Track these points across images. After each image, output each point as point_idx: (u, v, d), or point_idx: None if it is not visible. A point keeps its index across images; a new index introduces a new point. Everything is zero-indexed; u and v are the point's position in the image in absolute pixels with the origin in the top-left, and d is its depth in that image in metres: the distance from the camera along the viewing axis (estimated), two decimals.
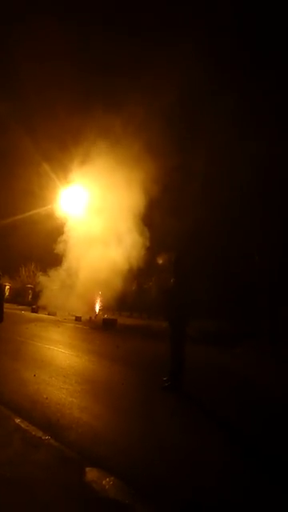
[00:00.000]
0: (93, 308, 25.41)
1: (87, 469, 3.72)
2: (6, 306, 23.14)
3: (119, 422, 5.22)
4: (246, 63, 17.46)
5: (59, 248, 23.16)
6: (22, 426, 4.61)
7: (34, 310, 25.26)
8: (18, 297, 31.90)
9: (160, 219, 19.09)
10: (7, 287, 32.44)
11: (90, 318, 22.57)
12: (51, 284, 24.96)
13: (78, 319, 21.39)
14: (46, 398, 5.87)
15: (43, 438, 4.33)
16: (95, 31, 21.83)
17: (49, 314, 23.47)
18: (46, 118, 22.98)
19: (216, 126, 18.36)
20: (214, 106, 18.37)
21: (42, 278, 25.76)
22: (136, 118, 19.05)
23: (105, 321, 19.94)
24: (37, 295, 28.51)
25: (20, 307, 27.17)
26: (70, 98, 22.06)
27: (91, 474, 3.66)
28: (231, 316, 18.35)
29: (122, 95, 19.80)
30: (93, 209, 23.05)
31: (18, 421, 4.75)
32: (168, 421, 5.41)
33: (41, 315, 23.36)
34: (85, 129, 20.88)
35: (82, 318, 21.69)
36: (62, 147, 22.04)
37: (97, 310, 25.48)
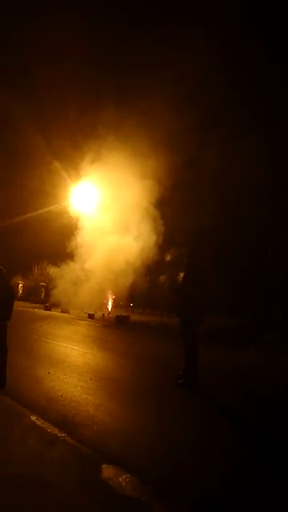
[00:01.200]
0: (106, 305, 25.47)
1: (103, 466, 3.73)
2: (19, 304, 23.39)
3: (134, 419, 5.22)
4: (259, 59, 17.27)
5: (71, 245, 23.21)
6: (38, 423, 4.64)
7: (47, 308, 25.40)
8: (31, 295, 32.08)
9: (172, 216, 18.99)
10: (20, 285, 32.78)
11: (103, 315, 22.61)
12: (64, 281, 25.02)
13: (91, 316, 21.45)
14: (61, 396, 5.90)
15: (59, 435, 4.35)
16: (107, 28, 21.75)
17: (62, 312, 23.58)
18: (58, 116, 22.95)
19: (228, 122, 18.26)
20: (226, 102, 18.26)
21: (53, 271, 25.62)
22: (147, 115, 18.96)
23: (118, 318, 19.99)
24: (49, 293, 28.67)
25: (33, 305, 27.35)
26: (81, 96, 22.01)
27: (107, 471, 3.66)
28: (245, 313, 18.27)
29: (133, 93, 19.70)
30: (104, 206, 23.04)
31: (33, 418, 4.78)
32: (183, 418, 5.40)
33: (54, 313, 23.50)
34: (96, 126, 20.86)
35: (95, 316, 21.74)
36: (73, 145, 22.04)
37: (109, 307, 25.54)
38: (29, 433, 4.39)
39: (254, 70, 17.84)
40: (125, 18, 21.89)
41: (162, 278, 24.72)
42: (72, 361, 8.70)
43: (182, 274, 7.40)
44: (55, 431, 4.44)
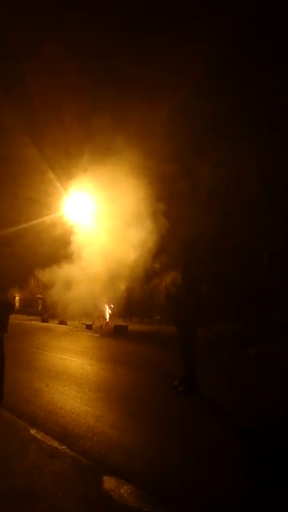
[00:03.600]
0: (103, 315, 25.43)
1: (105, 477, 3.70)
2: (17, 316, 23.27)
3: (135, 429, 5.18)
4: (254, 68, 17.58)
5: (67, 249, 23.22)
6: (38, 436, 4.60)
7: (45, 320, 25.33)
8: (28, 307, 31.99)
9: (167, 225, 19.09)
10: (17, 298, 32.68)
11: (101, 325, 22.56)
12: (59, 284, 24.88)
13: (88, 327, 21.38)
14: (61, 408, 5.86)
15: (59, 447, 4.32)
16: (103, 40, 22.00)
17: (59, 323, 23.50)
18: (52, 126, 23.11)
19: (224, 132, 18.49)
20: (222, 112, 18.51)
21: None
22: (141, 126, 19.13)
23: (116, 327, 19.93)
24: (47, 304, 28.59)
25: (30, 317, 27.25)
26: (76, 107, 22.16)
27: (109, 482, 3.64)
28: (244, 318, 18.31)
29: (128, 104, 19.90)
30: (99, 215, 23.11)
31: (33, 432, 4.74)
32: (185, 425, 5.36)
33: (51, 325, 23.41)
34: (91, 137, 21.02)
35: (93, 326, 21.68)
36: (67, 155, 22.15)
37: (107, 317, 25.49)
38: (28, 446, 4.35)
39: (251, 79, 18.11)
40: (119, 30, 22.12)
41: (159, 286, 24.82)
42: (71, 372, 8.65)
43: (177, 282, 7.41)
44: (55, 444, 4.40)
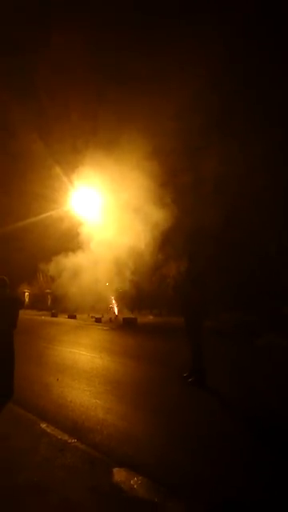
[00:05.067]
0: (112, 308, 25.50)
1: (115, 470, 3.75)
2: (26, 312, 23.44)
3: (144, 421, 5.23)
4: (262, 64, 17.41)
5: (74, 248, 23.31)
6: (48, 430, 4.67)
7: (54, 315, 25.48)
8: (37, 302, 32.16)
9: (173, 218, 19.06)
10: (26, 293, 32.86)
11: (110, 318, 22.64)
12: (68, 285, 25.04)
13: (98, 320, 21.48)
14: (70, 401, 5.92)
15: (69, 441, 4.38)
16: (110, 36, 21.82)
17: (69, 318, 23.63)
18: (59, 121, 23.09)
19: (229, 126, 18.37)
20: (228, 106, 18.37)
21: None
22: (148, 120, 19.05)
23: (125, 320, 20.00)
24: (56, 299, 28.72)
25: (40, 313, 27.43)
26: (82, 101, 22.12)
27: (119, 474, 3.68)
28: (253, 310, 18.27)
29: (134, 99, 19.81)
30: (106, 209, 23.14)
31: (43, 425, 4.81)
32: (194, 417, 5.39)
33: (61, 319, 23.56)
34: (97, 131, 21.00)
35: (102, 319, 21.77)
36: (73, 150, 22.16)
37: (116, 310, 25.57)
38: (39, 440, 4.42)
39: (257, 76, 17.92)
40: (126, 27, 21.90)
41: (167, 278, 24.81)
42: (80, 366, 8.72)
43: (183, 274, 7.43)
44: (65, 437, 4.46)
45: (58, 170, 22.75)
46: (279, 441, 4.60)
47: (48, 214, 25.02)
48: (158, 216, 19.39)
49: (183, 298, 7.31)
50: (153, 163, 18.74)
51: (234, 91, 18.60)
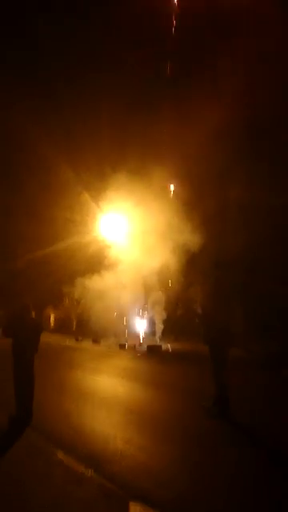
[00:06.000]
0: (137, 334, 25.31)
1: (131, 503, 3.60)
2: (51, 336, 23.51)
3: (164, 454, 5.04)
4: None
5: (101, 272, 23.49)
6: (65, 461, 4.55)
7: (78, 340, 25.47)
8: (63, 326, 32.31)
9: (199, 244, 19.00)
10: (51, 317, 33.14)
11: (135, 345, 22.44)
12: (94, 310, 25.11)
13: (122, 347, 21.33)
14: (89, 430, 5.79)
15: (85, 472, 4.24)
16: (136, 66, 22.62)
17: (93, 343, 23.57)
18: (88, 150, 23.91)
19: (255, 153, 18.47)
20: (255, 135, 18.53)
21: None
22: (173, 146, 19.41)
23: (149, 347, 19.76)
24: (81, 324, 28.82)
25: (65, 337, 27.48)
26: (110, 131, 22.87)
27: (134, 508, 3.54)
28: (281, 339, 17.76)
29: (161, 126, 20.31)
30: (132, 234, 23.31)
31: (60, 455, 4.69)
32: (215, 451, 5.15)
33: (85, 344, 23.51)
34: (124, 160, 21.50)
35: (127, 346, 21.59)
36: (101, 177, 22.69)
37: (141, 337, 25.35)
38: (55, 470, 4.30)
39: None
40: (154, 55, 22.68)
41: (194, 305, 24.54)
42: (101, 393, 8.59)
43: (208, 300, 7.29)
44: (81, 468, 4.33)
45: (86, 196, 23.30)
46: None
47: (77, 239, 25.46)
48: (184, 241, 19.37)
49: (208, 325, 7.13)
50: (179, 188, 18.91)
51: (263, 117, 18.67)
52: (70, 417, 6.53)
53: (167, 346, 21.11)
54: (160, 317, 25.11)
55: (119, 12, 22.78)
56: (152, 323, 25.76)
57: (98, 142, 23.43)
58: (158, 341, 23.62)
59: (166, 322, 25.91)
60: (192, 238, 18.94)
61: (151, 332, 26.02)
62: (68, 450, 4.85)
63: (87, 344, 23.57)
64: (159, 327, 25.76)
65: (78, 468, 4.34)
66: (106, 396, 8.31)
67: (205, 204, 19.20)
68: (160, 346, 20.17)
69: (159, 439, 5.59)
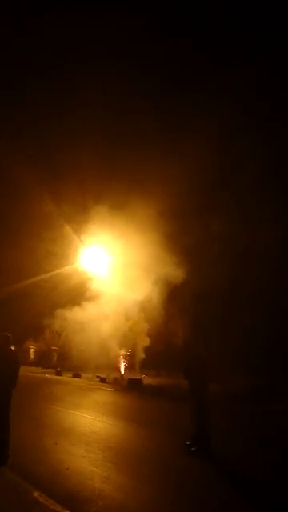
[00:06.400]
0: (118, 368, 24.96)
1: None
2: (31, 369, 23.02)
3: (142, 492, 4.97)
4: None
5: (82, 304, 23.36)
6: (41, 500, 4.47)
7: (59, 373, 24.96)
8: (43, 359, 31.65)
9: (180, 278, 19.21)
10: (31, 350, 32.48)
11: (116, 378, 22.09)
12: (74, 343, 24.77)
13: (102, 380, 20.97)
14: (67, 468, 5.68)
15: None
16: (119, 103, 23.28)
17: (73, 376, 23.13)
18: (70, 183, 24.16)
19: (236, 185, 19.00)
20: (234, 169, 19.12)
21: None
22: (155, 181, 19.82)
23: (130, 381, 19.50)
24: (62, 356, 28.30)
25: (45, 370, 26.91)
26: (92, 165, 23.23)
27: None
28: (265, 372, 17.75)
29: (143, 161, 20.78)
30: (114, 268, 23.40)
31: (36, 494, 4.61)
32: (197, 492, 5.07)
33: (65, 378, 23.05)
34: (106, 193, 21.82)
35: (107, 379, 21.25)
36: (83, 210, 22.89)
37: (122, 370, 24.99)
38: (31, 510, 4.21)
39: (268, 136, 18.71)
40: (137, 93, 23.42)
41: (175, 338, 24.44)
42: (80, 430, 8.42)
43: (187, 334, 7.35)
44: (58, 508, 4.26)
45: (68, 228, 23.43)
46: None
47: (58, 270, 25.43)
48: (165, 275, 19.55)
49: (187, 359, 7.15)
50: (160, 223, 19.23)
51: (240, 153, 19.34)
52: (47, 454, 6.40)
53: (155, 379, 20.92)
54: (141, 348, 24.92)
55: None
56: (133, 356, 25.48)
57: (80, 175, 23.75)
58: (138, 374, 23.32)
59: (146, 354, 25.70)
60: (173, 271, 19.15)
61: (132, 365, 25.69)
62: (45, 489, 4.76)
63: (67, 377, 23.11)
64: (140, 358, 25.52)
65: (55, 508, 4.26)
66: (85, 432, 8.15)
67: (187, 237, 19.51)
68: (141, 380, 19.91)
69: (138, 478, 5.52)
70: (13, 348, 6.70)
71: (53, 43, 25.40)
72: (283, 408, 11.68)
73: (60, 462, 6.01)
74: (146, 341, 23.69)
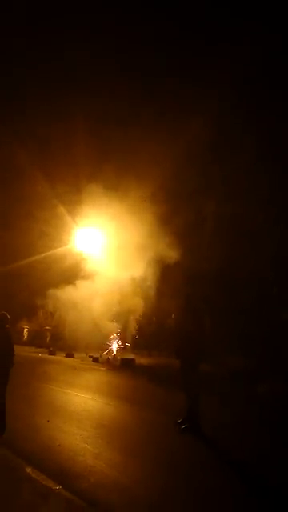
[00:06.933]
0: (111, 347, 25.18)
1: None
2: (24, 349, 23.16)
3: (135, 469, 5.05)
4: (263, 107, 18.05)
5: (76, 285, 23.38)
6: (33, 475, 4.51)
7: (52, 352, 25.13)
8: (36, 339, 31.83)
9: (173, 259, 19.22)
10: (25, 330, 32.60)
11: (108, 358, 22.31)
12: (68, 323, 24.88)
13: (95, 360, 21.15)
14: (59, 445, 5.74)
15: (54, 487, 4.22)
16: (113, 86, 22.87)
17: (66, 356, 23.28)
18: (63, 163, 23.85)
19: (230, 169, 18.87)
20: (230, 150, 18.96)
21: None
22: (149, 161, 19.64)
23: (123, 361, 19.69)
24: (55, 337, 28.48)
25: (38, 350, 27.07)
26: (86, 145, 22.93)
27: None
28: (254, 353, 17.96)
29: (136, 142, 20.51)
30: (108, 248, 23.37)
31: (28, 470, 4.65)
32: (187, 467, 5.17)
33: (58, 357, 23.20)
34: (100, 173, 21.60)
35: (100, 359, 21.44)
36: (77, 191, 22.68)
37: (115, 350, 25.22)
38: (23, 485, 4.26)
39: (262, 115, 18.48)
40: (130, 75, 23.04)
41: (168, 318, 24.62)
42: (73, 408, 8.52)
43: (180, 314, 7.38)
44: (50, 483, 4.31)
45: (61, 209, 23.23)
46: (271, 495, 4.42)
47: (52, 251, 25.32)
48: (159, 255, 19.57)
49: (179, 339, 7.20)
50: (153, 203, 19.14)
51: (235, 129, 19.15)
52: (39, 431, 6.47)
53: (148, 359, 21.14)
54: (134, 330, 25.11)
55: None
56: (126, 337, 25.68)
57: (74, 156, 23.47)
58: (131, 354, 23.54)
59: (140, 336, 25.91)
60: (166, 253, 19.17)
61: (124, 343, 25.92)
62: (37, 466, 4.81)
63: (60, 357, 23.26)
64: (133, 341, 25.74)
65: (47, 483, 4.31)
66: (77, 410, 8.24)
67: (180, 218, 19.45)
68: (133, 360, 20.10)
69: (129, 454, 5.60)
70: (7, 326, 6.72)
71: (47, 22, 24.87)
72: (270, 388, 11.91)
73: (52, 438, 6.08)
74: (139, 314, 23.85)
